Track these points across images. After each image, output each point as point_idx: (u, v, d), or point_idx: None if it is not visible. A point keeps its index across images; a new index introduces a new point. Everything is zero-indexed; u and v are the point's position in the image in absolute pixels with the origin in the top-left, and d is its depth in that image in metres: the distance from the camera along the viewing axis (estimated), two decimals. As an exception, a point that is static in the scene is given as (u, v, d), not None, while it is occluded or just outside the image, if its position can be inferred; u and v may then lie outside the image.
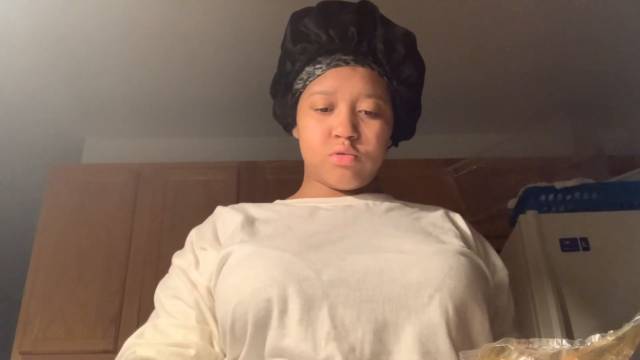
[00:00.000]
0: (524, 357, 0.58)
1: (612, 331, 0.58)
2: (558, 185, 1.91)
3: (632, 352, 0.58)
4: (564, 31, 2.25)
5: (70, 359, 2.12)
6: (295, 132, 1.02)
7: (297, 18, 0.99)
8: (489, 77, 2.49)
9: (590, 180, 1.92)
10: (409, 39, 0.99)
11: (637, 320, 0.58)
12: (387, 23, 0.99)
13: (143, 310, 2.12)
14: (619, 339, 0.57)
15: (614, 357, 0.57)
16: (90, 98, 2.58)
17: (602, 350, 0.57)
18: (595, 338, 0.58)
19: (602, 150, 2.22)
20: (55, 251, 2.28)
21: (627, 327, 0.57)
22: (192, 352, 0.82)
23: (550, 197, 1.91)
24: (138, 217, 2.36)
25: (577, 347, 0.58)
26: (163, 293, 0.89)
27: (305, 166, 1.02)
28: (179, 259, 0.92)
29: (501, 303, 0.92)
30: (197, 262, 0.89)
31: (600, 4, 2.12)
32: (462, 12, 2.15)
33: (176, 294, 0.87)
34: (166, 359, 0.81)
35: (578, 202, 1.90)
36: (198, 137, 2.85)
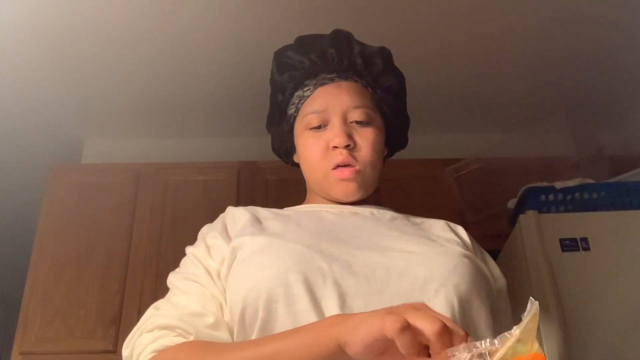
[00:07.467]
0: None
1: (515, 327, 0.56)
2: (558, 185, 1.91)
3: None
4: (564, 31, 2.25)
5: (70, 359, 2.12)
6: (296, 158, 1.07)
7: (279, 53, 1.07)
8: (489, 77, 2.49)
9: (590, 180, 1.93)
10: (384, 53, 1.07)
11: (529, 312, 0.56)
12: (361, 44, 1.06)
13: (143, 310, 2.08)
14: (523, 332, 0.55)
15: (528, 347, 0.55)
16: (90, 98, 2.58)
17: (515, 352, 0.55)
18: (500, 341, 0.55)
19: (602, 150, 2.22)
20: (55, 251, 2.28)
21: (525, 320, 0.55)
22: (210, 319, 0.82)
23: (550, 197, 1.91)
24: (138, 217, 2.35)
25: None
26: (176, 277, 0.90)
27: (307, 185, 1.06)
28: (192, 249, 0.94)
29: (501, 308, 0.94)
30: (208, 249, 0.91)
31: (600, 4, 2.12)
32: (462, 12, 2.15)
33: (190, 277, 0.88)
34: (188, 325, 0.80)
35: (578, 202, 1.90)
36: (198, 137, 2.85)
